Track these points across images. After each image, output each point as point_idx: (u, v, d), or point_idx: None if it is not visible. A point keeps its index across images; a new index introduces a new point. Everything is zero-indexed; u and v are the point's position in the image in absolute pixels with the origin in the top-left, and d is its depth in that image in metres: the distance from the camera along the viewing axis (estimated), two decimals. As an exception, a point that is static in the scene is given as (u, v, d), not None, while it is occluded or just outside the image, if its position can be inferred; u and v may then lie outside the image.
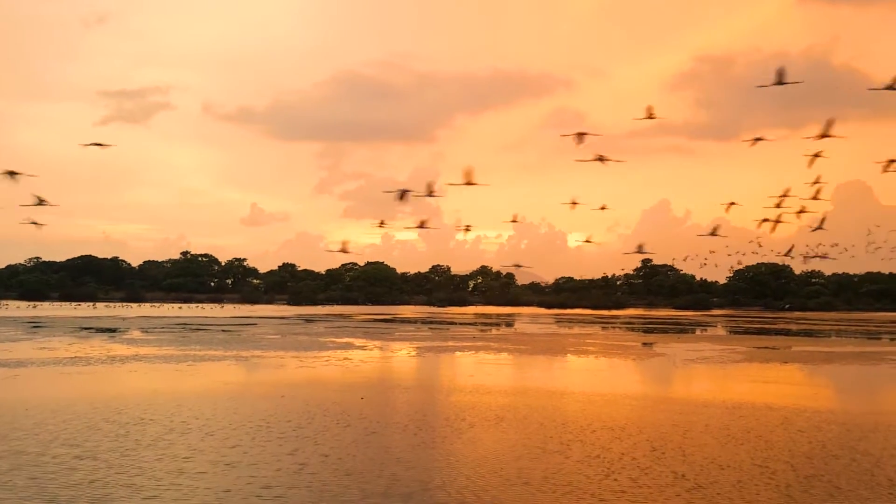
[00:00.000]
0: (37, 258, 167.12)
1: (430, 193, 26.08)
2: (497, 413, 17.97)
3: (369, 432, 15.30)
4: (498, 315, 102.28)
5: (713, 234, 30.94)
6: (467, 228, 31.17)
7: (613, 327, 70.13)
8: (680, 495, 10.82)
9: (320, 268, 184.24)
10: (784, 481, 11.69)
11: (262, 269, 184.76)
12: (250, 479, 11.42)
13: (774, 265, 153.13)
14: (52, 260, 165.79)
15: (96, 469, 11.78)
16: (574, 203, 30.67)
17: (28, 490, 10.59)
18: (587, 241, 31.99)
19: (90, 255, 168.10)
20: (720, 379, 27.11)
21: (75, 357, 30.32)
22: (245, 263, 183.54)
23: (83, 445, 13.51)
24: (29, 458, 12.54)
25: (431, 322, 74.61)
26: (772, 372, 29.48)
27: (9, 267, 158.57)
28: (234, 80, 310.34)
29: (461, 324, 71.76)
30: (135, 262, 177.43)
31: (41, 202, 26.52)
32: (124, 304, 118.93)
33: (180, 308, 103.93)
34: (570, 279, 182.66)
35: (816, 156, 25.16)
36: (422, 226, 30.52)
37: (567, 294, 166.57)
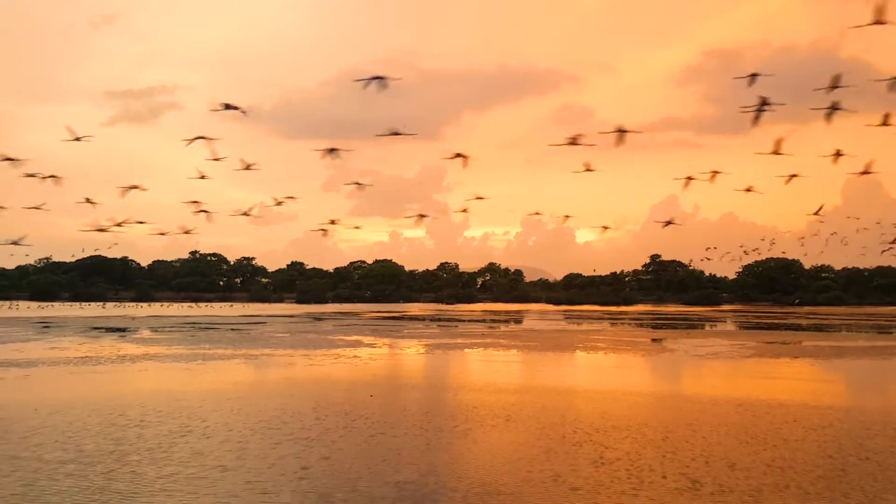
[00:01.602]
0: (47, 259, 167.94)
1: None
2: (506, 412, 17.89)
3: (377, 433, 15.19)
4: (506, 312, 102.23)
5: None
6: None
7: (622, 323, 69.96)
8: (691, 496, 10.74)
9: (328, 266, 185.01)
10: (795, 480, 11.59)
11: (271, 268, 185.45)
12: (248, 484, 11.08)
13: (784, 260, 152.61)
14: (61, 260, 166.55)
15: (92, 474, 11.45)
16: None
17: (19, 497, 10.29)
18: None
19: (100, 255, 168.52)
20: (730, 375, 26.98)
21: (85, 357, 30.43)
22: (253, 262, 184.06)
23: (82, 449, 13.22)
24: (24, 462, 12.26)
25: (440, 319, 74.61)
26: (782, 367, 29.32)
27: (19, 268, 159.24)
28: (241, 78, 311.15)
29: (469, 321, 71.74)
30: (144, 262, 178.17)
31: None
32: (134, 303, 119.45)
33: (190, 307, 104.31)
34: (579, 275, 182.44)
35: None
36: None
37: (575, 290, 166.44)
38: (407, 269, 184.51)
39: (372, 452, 13.28)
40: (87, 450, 13.21)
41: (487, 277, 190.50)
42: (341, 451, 13.30)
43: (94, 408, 17.84)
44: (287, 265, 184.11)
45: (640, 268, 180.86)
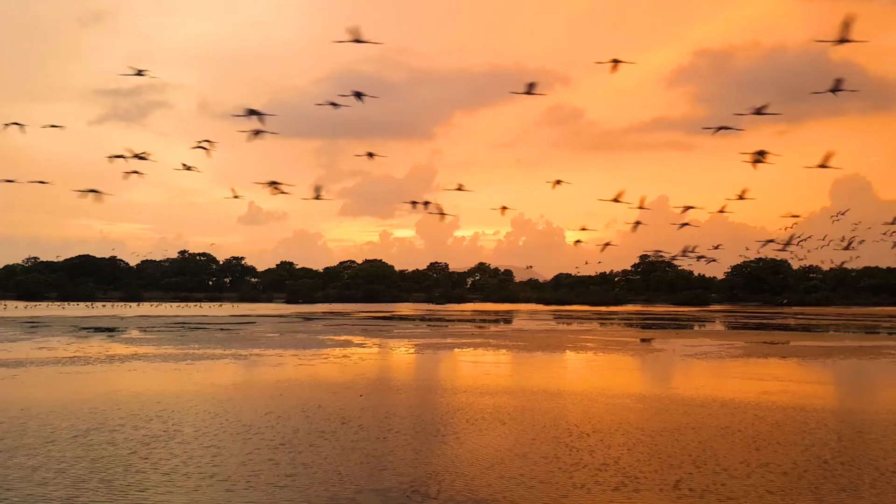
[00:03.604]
0: (34, 258, 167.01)
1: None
2: (495, 415, 17.93)
3: (364, 437, 15.14)
4: (496, 312, 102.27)
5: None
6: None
7: (612, 324, 70.14)
8: (680, 500, 10.81)
9: (318, 266, 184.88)
10: (783, 482, 11.68)
11: (260, 268, 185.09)
12: (226, 492, 10.70)
13: (773, 260, 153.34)
14: (49, 260, 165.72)
15: (60, 482, 11.06)
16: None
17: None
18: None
19: (88, 255, 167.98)
20: (719, 376, 27.08)
21: (73, 357, 30.26)
22: (243, 262, 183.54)
23: (54, 455, 12.77)
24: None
25: (430, 319, 74.58)
26: (771, 368, 29.46)
27: (6, 267, 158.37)
28: (231, 77, 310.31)
29: (459, 321, 71.74)
30: (133, 262, 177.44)
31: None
32: (123, 303, 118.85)
33: (179, 307, 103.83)
34: (569, 275, 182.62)
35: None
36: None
37: (565, 290, 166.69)
38: (397, 268, 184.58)
39: (358, 458, 13.09)
40: (59, 456, 12.77)
41: (477, 277, 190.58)
42: (327, 457, 13.05)
43: (74, 411, 17.55)
44: (276, 265, 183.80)
45: (629, 268, 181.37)
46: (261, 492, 10.82)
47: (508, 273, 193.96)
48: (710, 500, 10.50)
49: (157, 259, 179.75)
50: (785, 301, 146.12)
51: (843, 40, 18.77)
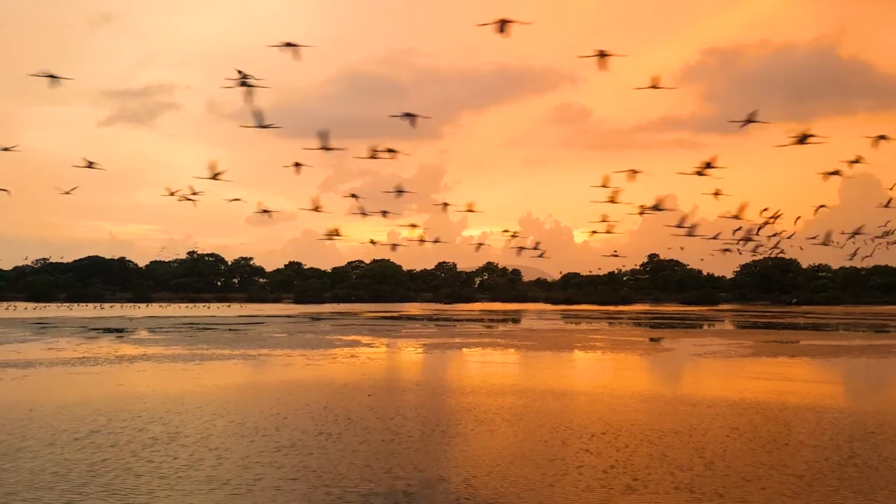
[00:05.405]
0: (44, 259, 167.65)
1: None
2: (503, 415, 17.85)
3: (371, 438, 15.08)
4: (504, 311, 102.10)
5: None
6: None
7: (620, 323, 69.89)
8: (690, 500, 10.71)
9: (326, 266, 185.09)
10: (793, 483, 11.56)
11: (269, 268, 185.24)
12: (231, 496, 10.57)
13: (781, 259, 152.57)
14: (59, 261, 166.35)
15: (61, 487, 10.87)
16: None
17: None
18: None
19: (97, 256, 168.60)
20: (728, 376, 26.91)
21: (83, 357, 30.32)
22: (251, 263, 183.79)
23: (57, 459, 12.62)
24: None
25: (438, 319, 74.50)
26: (780, 367, 29.26)
27: (16, 269, 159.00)
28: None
29: (467, 320, 71.63)
30: (141, 263, 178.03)
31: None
32: (132, 304, 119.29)
33: (187, 308, 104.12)
34: (577, 275, 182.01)
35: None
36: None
37: (573, 290, 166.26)
38: (405, 268, 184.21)
39: (364, 460, 12.97)
40: (62, 460, 12.59)
41: (486, 277, 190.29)
42: (333, 460, 12.93)
43: (79, 413, 17.44)
44: (285, 265, 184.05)
45: (637, 267, 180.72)
46: (264, 495, 10.73)
47: (517, 272, 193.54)
48: (724, 500, 10.38)
49: (167, 260, 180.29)
50: (794, 300, 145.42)
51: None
